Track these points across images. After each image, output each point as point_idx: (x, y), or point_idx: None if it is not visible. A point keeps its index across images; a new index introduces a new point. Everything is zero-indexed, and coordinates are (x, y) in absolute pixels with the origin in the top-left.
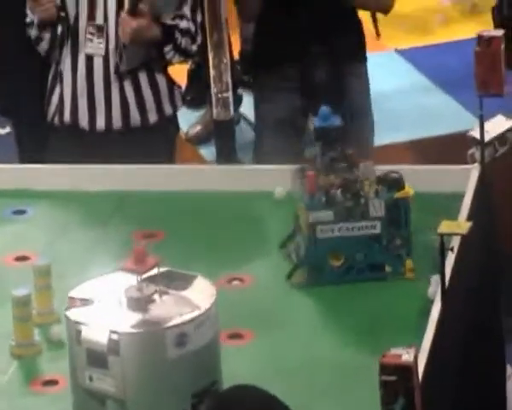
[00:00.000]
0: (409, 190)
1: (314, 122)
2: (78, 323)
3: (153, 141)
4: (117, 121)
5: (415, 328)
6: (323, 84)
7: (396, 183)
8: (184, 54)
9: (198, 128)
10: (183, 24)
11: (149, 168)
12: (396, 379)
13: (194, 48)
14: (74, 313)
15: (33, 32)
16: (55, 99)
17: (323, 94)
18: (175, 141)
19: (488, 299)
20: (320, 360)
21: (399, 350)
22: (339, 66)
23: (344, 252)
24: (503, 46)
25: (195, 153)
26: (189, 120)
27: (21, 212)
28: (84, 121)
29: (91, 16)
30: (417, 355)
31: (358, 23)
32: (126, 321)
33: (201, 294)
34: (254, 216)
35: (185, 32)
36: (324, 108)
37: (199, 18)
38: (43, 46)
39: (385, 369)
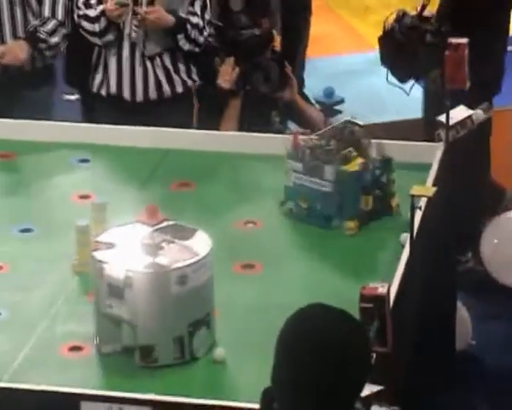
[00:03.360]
0: (355, 165)
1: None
2: (101, 262)
3: (180, 108)
4: (152, 93)
5: (390, 266)
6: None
7: (348, 158)
8: (194, 43)
9: None
10: (194, 19)
11: (185, 132)
12: (372, 306)
13: (202, 39)
14: (99, 254)
15: (98, 26)
16: (100, 75)
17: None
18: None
19: (445, 247)
20: (315, 291)
21: (376, 284)
22: None
23: (308, 198)
24: (466, 51)
25: None
26: None
27: (85, 160)
28: (126, 93)
29: (134, 13)
30: (390, 289)
31: None
32: (140, 262)
33: (200, 244)
34: (265, 174)
35: (194, 26)
36: (329, 87)
37: (207, 16)
38: (109, 38)
39: (364, 298)
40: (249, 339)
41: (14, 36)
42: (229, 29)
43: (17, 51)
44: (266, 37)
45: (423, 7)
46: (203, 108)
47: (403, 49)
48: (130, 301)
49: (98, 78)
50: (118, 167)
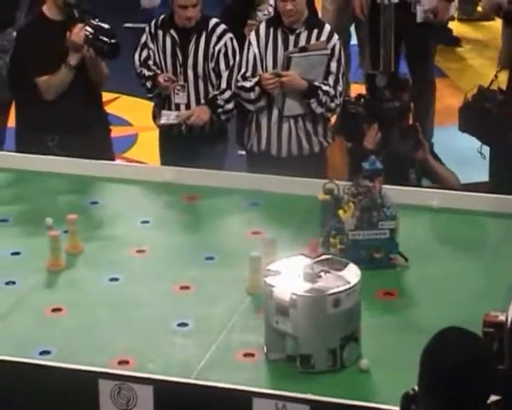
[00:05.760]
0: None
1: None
2: (271, 286)
3: (313, 166)
4: (294, 149)
5: (506, 298)
6: None
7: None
8: (325, 107)
9: None
10: (325, 87)
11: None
12: (493, 331)
13: (333, 105)
14: (269, 280)
15: (253, 94)
16: (253, 134)
17: None
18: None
19: None
20: (441, 315)
21: (496, 313)
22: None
23: None
24: None
25: None
26: None
27: (255, 204)
28: (274, 150)
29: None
30: (508, 316)
31: None
32: (302, 288)
33: (351, 274)
34: None
35: (325, 92)
36: (372, 158)
37: (339, 88)
38: (261, 104)
39: (486, 324)
40: (390, 352)
41: (197, 103)
42: (375, 101)
43: (200, 114)
44: (404, 108)
45: (491, 82)
46: (352, 163)
47: (487, 117)
48: (294, 319)
49: (252, 138)
50: (281, 209)
